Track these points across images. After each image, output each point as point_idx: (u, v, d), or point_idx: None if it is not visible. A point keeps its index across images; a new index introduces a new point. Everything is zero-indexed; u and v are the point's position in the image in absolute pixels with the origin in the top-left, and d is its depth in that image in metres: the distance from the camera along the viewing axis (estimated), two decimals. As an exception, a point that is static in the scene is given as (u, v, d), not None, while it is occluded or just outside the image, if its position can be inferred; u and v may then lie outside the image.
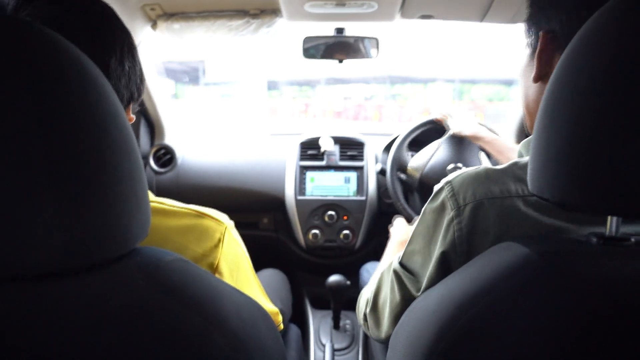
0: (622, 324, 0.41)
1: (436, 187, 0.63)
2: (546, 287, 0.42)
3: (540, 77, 0.63)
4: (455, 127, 1.42)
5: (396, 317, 0.69)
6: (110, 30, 0.60)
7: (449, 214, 0.59)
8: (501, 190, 0.56)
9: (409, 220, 1.37)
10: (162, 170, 1.71)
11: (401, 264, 0.69)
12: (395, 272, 0.69)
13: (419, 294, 0.63)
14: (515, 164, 0.58)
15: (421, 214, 0.66)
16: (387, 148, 1.69)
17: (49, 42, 0.37)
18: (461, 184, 0.59)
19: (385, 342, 0.71)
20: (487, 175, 0.58)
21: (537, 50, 0.61)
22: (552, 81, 0.45)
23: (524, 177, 0.56)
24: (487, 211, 0.56)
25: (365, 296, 0.86)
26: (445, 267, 0.59)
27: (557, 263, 0.43)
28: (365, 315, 0.83)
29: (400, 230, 1.24)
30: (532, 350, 0.42)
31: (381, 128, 2.41)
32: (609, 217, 0.45)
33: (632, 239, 0.45)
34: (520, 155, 0.67)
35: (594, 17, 0.42)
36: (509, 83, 3.86)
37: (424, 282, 0.63)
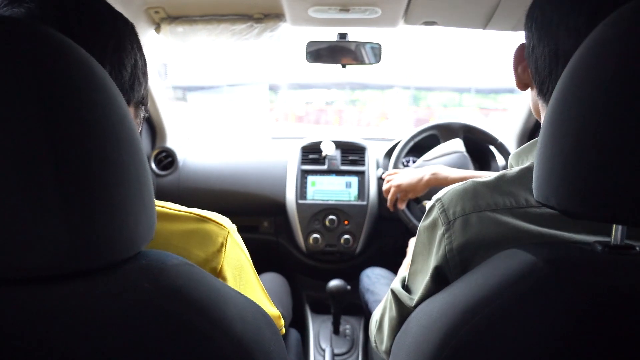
0: (627, 332, 0.41)
1: (428, 205, 0.64)
2: (552, 294, 0.42)
3: (524, 85, 0.66)
4: (402, 186, 1.37)
5: (394, 332, 0.70)
6: (122, 32, 0.59)
7: (440, 229, 0.60)
8: (488, 203, 0.57)
9: (413, 231, 1.37)
10: (163, 173, 1.71)
11: (406, 286, 0.70)
12: (392, 291, 0.71)
13: (412, 305, 0.64)
14: (502, 177, 0.59)
15: (417, 233, 0.67)
16: (389, 153, 1.70)
17: (55, 44, 0.37)
18: (450, 199, 0.60)
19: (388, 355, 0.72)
20: (475, 190, 0.59)
21: (513, 63, 0.66)
22: (557, 90, 0.45)
23: (511, 189, 0.57)
24: (476, 224, 0.57)
25: (375, 318, 0.86)
26: (440, 281, 0.60)
27: (563, 271, 0.43)
28: (374, 335, 0.82)
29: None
30: (536, 357, 0.42)
31: (382, 133, 2.41)
32: (614, 226, 0.45)
33: (637, 248, 0.45)
34: (511, 166, 0.67)
35: (597, 28, 0.42)
36: (461, 91, 4.13)
37: (419, 295, 0.63)
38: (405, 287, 0.70)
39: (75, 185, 0.36)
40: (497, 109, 4.06)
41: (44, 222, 0.35)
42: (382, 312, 0.78)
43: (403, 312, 0.68)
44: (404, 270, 0.75)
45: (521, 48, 0.65)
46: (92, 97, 0.38)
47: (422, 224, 0.65)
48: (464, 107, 4.18)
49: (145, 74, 0.65)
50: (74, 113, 0.36)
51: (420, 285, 0.64)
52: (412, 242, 1.22)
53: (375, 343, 0.83)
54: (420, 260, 0.66)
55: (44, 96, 0.35)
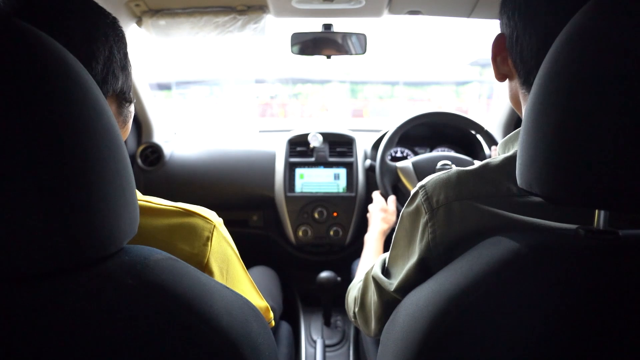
0: (611, 316, 0.42)
1: (412, 191, 0.64)
2: (536, 280, 0.43)
3: (503, 76, 0.65)
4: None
5: (379, 317, 0.72)
6: (94, 23, 0.58)
7: (423, 216, 0.60)
8: (471, 191, 0.57)
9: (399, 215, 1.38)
10: (149, 168, 1.69)
11: (386, 269, 0.71)
12: (373, 278, 0.72)
13: (392, 289, 0.65)
14: (486, 165, 0.59)
15: (399, 219, 0.68)
16: (377, 144, 1.70)
17: (29, 38, 0.36)
18: (434, 187, 0.60)
19: (377, 338, 0.73)
20: (459, 178, 0.59)
21: (491, 54, 0.64)
22: (539, 77, 0.45)
23: (494, 177, 0.57)
24: (459, 213, 0.57)
25: (352, 294, 0.89)
26: (424, 271, 0.60)
27: (547, 257, 0.44)
28: (354, 313, 0.85)
29: (378, 214, 1.30)
30: (522, 343, 0.43)
31: (369, 124, 2.42)
32: (597, 211, 0.46)
33: (620, 233, 0.45)
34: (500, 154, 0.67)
35: (579, 12, 0.42)
36: (391, 83, 4.59)
37: (398, 280, 0.64)
38: (385, 270, 0.71)
39: (53, 181, 0.35)
40: (423, 100, 4.52)
41: (22, 219, 0.35)
42: (361, 290, 0.81)
43: (383, 296, 0.70)
44: (384, 254, 0.75)
45: (500, 38, 0.63)
46: (68, 92, 0.37)
47: (406, 210, 0.65)
48: (396, 97, 4.59)
49: (124, 68, 0.63)
50: (49, 107, 0.36)
51: (401, 270, 0.65)
52: (376, 199, 1.28)
53: (356, 319, 0.85)
54: (401, 245, 0.67)
55: (18, 91, 0.34)
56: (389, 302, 0.69)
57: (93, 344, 0.38)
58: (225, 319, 0.44)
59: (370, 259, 1.19)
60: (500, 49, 0.63)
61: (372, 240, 1.26)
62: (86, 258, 0.39)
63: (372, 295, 0.74)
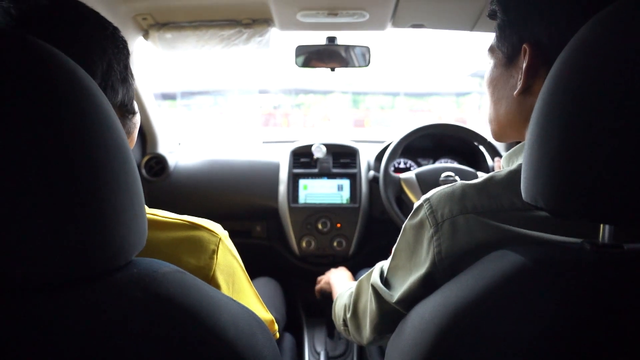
0: (617, 330, 0.42)
1: (416, 204, 0.64)
2: (542, 294, 0.43)
3: (525, 90, 0.61)
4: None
5: (375, 326, 0.73)
6: (90, 36, 0.57)
7: (428, 230, 0.60)
8: (475, 205, 0.57)
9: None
10: (154, 179, 1.70)
11: (385, 279, 0.70)
12: (372, 286, 0.71)
13: (393, 301, 0.65)
14: (490, 179, 0.59)
15: (402, 230, 0.67)
16: (380, 155, 1.70)
17: (40, 53, 0.37)
18: (439, 200, 0.60)
19: (370, 345, 0.73)
20: (463, 192, 0.59)
21: (525, 65, 0.59)
22: (544, 91, 0.45)
23: (498, 192, 0.57)
24: (464, 227, 0.56)
25: (341, 301, 0.90)
26: (429, 285, 0.60)
27: (553, 271, 0.44)
28: (344, 321, 0.86)
29: (332, 276, 1.32)
30: (527, 356, 0.43)
31: (371, 134, 2.42)
32: (602, 225, 0.46)
33: (625, 247, 0.45)
34: (502, 168, 0.67)
35: (585, 26, 0.42)
36: (392, 94, 4.72)
37: (401, 292, 0.64)
38: (385, 280, 0.71)
39: (63, 194, 0.36)
40: (424, 110, 4.60)
41: (33, 231, 0.35)
42: (354, 297, 0.81)
43: (383, 306, 0.70)
44: (381, 262, 0.75)
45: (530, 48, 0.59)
46: (79, 106, 0.38)
47: (409, 222, 0.65)
48: (396, 108, 4.71)
49: (124, 80, 0.62)
50: (61, 120, 0.36)
51: (402, 282, 0.65)
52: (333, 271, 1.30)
53: (346, 327, 0.86)
54: (403, 257, 0.66)
55: (28, 106, 0.35)
56: (388, 312, 0.69)
57: (101, 357, 0.38)
58: (231, 331, 0.44)
59: (344, 285, 1.18)
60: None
61: (337, 279, 1.28)
62: (95, 270, 0.39)
63: (369, 304, 0.74)
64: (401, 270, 0.67)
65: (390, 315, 0.69)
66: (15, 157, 0.34)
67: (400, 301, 0.64)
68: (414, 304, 0.60)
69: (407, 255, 0.65)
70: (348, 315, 0.83)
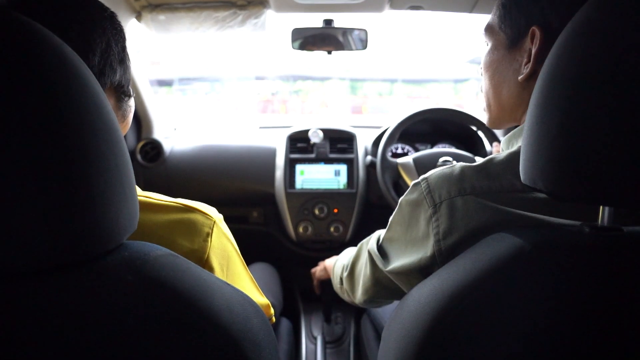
0: (615, 312, 0.41)
1: (414, 181, 0.63)
2: (540, 277, 0.42)
3: (531, 75, 0.60)
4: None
5: (367, 289, 0.77)
6: (90, 16, 0.58)
7: (426, 211, 0.59)
8: (473, 186, 0.56)
9: None
10: (149, 164, 1.69)
11: (379, 246, 0.72)
12: (369, 252, 0.74)
13: (385, 269, 0.67)
14: (490, 160, 0.58)
15: (398, 205, 0.67)
16: (377, 141, 1.69)
17: (27, 31, 0.36)
18: (437, 181, 0.59)
19: (361, 307, 0.75)
20: (462, 174, 0.58)
21: (535, 49, 0.58)
22: (544, 72, 0.44)
23: (498, 173, 0.56)
24: (462, 209, 0.56)
25: (341, 262, 0.95)
26: (426, 269, 0.60)
27: (551, 253, 0.43)
28: (341, 279, 0.91)
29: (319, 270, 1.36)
30: (525, 339, 0.42)
31: (369, 121, 2.41)
32: (602, 208, 0.45)
33: (624, 230, 0.45)
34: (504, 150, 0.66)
35: (584, 7, 0.41)
36: (389, 80, 4.73)
37: (395, 265, 0.65)
38: (379, 246, 0.72)
39: (51, 176, 0.35)
40: (422, 97, 4.65)
41: (20, 215, 0.34)
42: (353, 259, 0.86)
43: (375, 273, 0.72)
44: (379, 230, 0.77)
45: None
46: (66, 85, 0.37)
47: (405, 198, 0.64)
48: (394, 95, 4.72)
49: (122, 61, 0.63)
50: (47, 101, 0.35)
51: (397, 254, 0.66)
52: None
53: (342, 285, 0.90)
54: (398, 230, 0.67)
55: (15, 85, 0.34)
56: (379, 279, 0.72)
57: (92, 340, 0.37)
58: (225, 315, 0.43)
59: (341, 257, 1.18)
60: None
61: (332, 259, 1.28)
62: (85, 254, 0.38)
63: (364, 267, 0.77)
64: (396, 242, 0.67)
65: (381, 282, 0.73)
66: None
67: (393, 272, 0.66)
68: (407, 279, 0.62)
69: (402, 229, 0.65)
70: (345, 274, 0.87)
